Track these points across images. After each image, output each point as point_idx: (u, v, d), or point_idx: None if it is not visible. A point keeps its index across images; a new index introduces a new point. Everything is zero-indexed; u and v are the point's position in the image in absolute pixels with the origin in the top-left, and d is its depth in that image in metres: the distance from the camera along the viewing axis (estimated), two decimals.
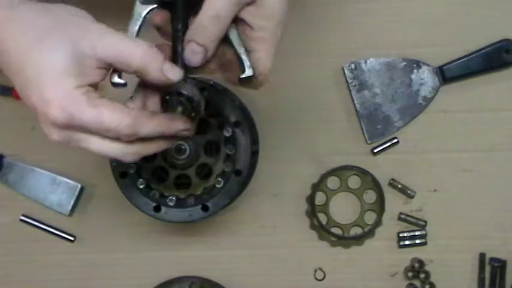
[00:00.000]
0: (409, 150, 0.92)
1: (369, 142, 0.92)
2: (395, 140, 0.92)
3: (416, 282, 0.91)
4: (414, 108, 0.92)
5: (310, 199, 0.91)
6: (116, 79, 0.61)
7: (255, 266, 0.92)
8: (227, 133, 0.81)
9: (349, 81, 0.92)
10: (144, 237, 0.92)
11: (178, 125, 0.61)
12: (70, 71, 0.56)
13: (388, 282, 0.91)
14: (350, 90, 0.92)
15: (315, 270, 0.92)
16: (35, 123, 0.93)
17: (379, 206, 0.91)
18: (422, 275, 0.90)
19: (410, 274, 0.90)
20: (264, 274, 0.92)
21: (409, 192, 0.91)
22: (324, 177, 0.91)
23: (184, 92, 0.61)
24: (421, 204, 0.92)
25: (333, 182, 0.92)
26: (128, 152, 0.60)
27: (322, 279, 0.92)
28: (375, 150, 0.92)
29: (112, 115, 0.57)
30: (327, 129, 0.93)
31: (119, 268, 0.92)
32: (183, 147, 0.82)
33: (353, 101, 0.92)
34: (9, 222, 0.93)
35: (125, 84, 0.61)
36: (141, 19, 0.64)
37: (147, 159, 0.84)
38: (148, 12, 0.64)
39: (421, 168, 0.92)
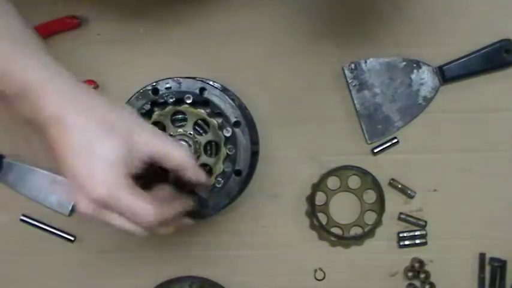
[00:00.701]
0: (409, 150, 0.92)
1: (369, 142, 0.92)
2: (395, 140, 0.92)
3: (416, 282, 0.91)
4: (414, 108, 0.92)
5: (310, 199, 0.91)
6: None
7: (255, 266, 0.92)
8: (227, 133, 0.81)
9: (349, 81, 0.92)
10: (144, 237, 0.92)
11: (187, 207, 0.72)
12: (123, 160, 0.63)
13: (388, 282, 0.91)
14: (350, 90, 0.92)
15: (315, 270, 0.92)
16: None
17: (379, 206, 0.91)
18: (422, 275, 0.90)
19: (410, 274, 0.90)
20: (264, 274, 0.92)
21: (409, 192, 0.91)
22: (324, 177, 0.91)
23: (203, 195, 0.77)
24: (421, 204, 0.92)
25: (333, 182, 0.92)
26: (144, 231, 0.67)
27: (322, 279, 0.92)
28: (375, 150, 0.92)
29: (144, 206, 0.64)
30: (327, 129, 0.93)
31: (119, 268, 0.92)
32: None
33: (353, 101, 0.92)
34: (9, 222, 0.93)
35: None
36: None
37: None
38: None
39: (421, 168, 0.92)
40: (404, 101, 0.92)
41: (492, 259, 0.90)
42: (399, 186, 0.91)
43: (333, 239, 0.91)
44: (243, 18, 0.94)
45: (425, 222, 0.91)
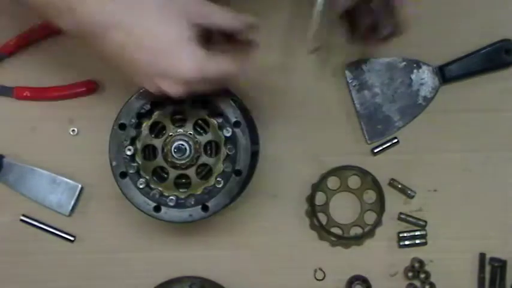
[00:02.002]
0: (409, 150, 0.92)
1: (369, 142, 0.92)
2: (395, 140, 0.92)
3: (416, 282, 0.91)
4: (414, 108, 0.92)
5: (310, 199, 0.91)
6: None
7: (255, 266, 0.92)
8: (227, 133, 0.81)
9: (349, 81, 0.92)
10: (144, 237, 0.92)
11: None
12: (194, 38, 0.69)
13: (388, 282, 0.91)
14: (350, 90, 0.92)
15: (315, 270, 0.92)
16: (35, 123, 0.93)
17: (379, 206, 0.91)
18: (422, 275, 0.90)
19: (410, 274, 0.90)
20: (264, 274, 0.92)
21: (409, 192, 0.91)
22: (324, 177, 0.91)
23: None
24: (421, 204, 0.92)
25: (333, 182, 0.92)
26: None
27: (322, 279, 0.92)
28: (375, 150, 0.92)
29: (227, 65, 0.72)
30: (327, 129, 0.93)
31: (119, 268, 0.92)
32: (183, 147, 0.82)
33: (353, 101, 0.92)
34: (9, 222, 0.93)
35: None
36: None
37: (147, 158, 0.84)
38: None
39: (421, 168, 0.92)
40: (404, 101, 0.92)
41: (492, 259, 0.90)
42: (399, 186, 0.91)
43: (333, 239, 0.91)
44: None
45: (425, 222, 0.91)
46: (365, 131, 0.92)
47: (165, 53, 0.68)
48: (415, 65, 0.92)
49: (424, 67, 0.92)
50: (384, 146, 0.92)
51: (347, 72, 0.93)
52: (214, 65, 0.71)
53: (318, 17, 0.78)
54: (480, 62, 0.91)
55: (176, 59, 0.68)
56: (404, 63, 0.92)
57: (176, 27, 0.68)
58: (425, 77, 0.92)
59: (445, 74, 0.92)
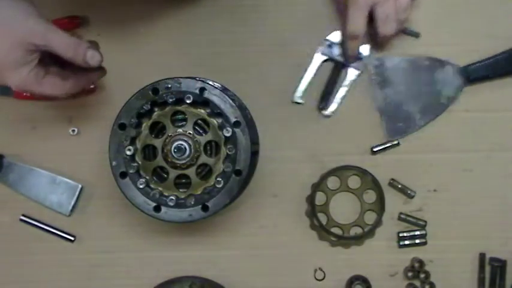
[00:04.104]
0: (409, 150, 0.92)
1: (389, 139, 0.92)
2: (396, 142, 0.92)
3: (416, 282, 0.91)
4: (436, 107, 0.92)
5: (310, 199, 0.91)
6: None
7: (255, 266, 0.92)
8: (227, 133, 0.81)
9: (373, 78, 0.92)
10: (144, 237, 0.92)
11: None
12: (22, 61, 0.75)
13: (388, 282, 0.91)
14: (372, 86, 0.92)
15: (315, 270, 0.92)
16: (35, 123, 0.93)
17: (379, 206, 0.91)
18: (422, 275, 0.90)
19: (410, 274, 0.90)
20: (264, 274, 0.92)
21: (409, 192, 0.91)
22: (324, 177, 0.91)
23: None
24: (421, 204, 0.92)
25: (333, 182, 0.92)
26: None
27: (322, 279, 0.92)
28: (375, 150, 0.92)
29: (51, 90, 0.78)
30: (327, 129, 0.93)
31: (119, 268, 0.92)
32: (183, 147, 0.82)
33: (375, 97, 0.92)
34: (9, 222, 0.93)
35: None
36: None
37: (147, 158, 0.84)
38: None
39: (421, 168, 0.92)
40: (426, 100, 0.92)
41: (492, 259, 0.90)
42: (399, 186, 0.91)
43: (333, 239, 0.91)
44: (243, 19, 0.94)
45: (425, 222, 0.91)
46: (385, 128, 0.92)
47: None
48: (438, 64, 0.92)
49: (448, 67, 0.92)
50: (384, 146, 0.92)
51: (371, 69, 0.92)
52: (37, 86, 0.77)
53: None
54: (505, 64, 0.91)
55: (5, 76, 0.76)
56: (428, 62, 0.92)
57: (3, 48, 0.74)
58: (448, 77, 0.92)
59: (469, 75, 0.91)
